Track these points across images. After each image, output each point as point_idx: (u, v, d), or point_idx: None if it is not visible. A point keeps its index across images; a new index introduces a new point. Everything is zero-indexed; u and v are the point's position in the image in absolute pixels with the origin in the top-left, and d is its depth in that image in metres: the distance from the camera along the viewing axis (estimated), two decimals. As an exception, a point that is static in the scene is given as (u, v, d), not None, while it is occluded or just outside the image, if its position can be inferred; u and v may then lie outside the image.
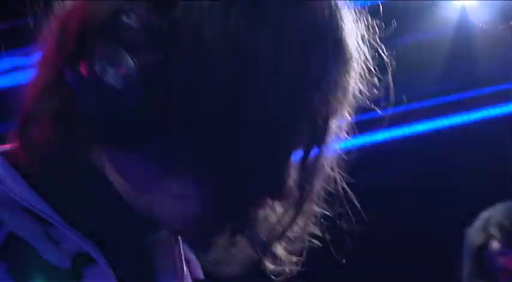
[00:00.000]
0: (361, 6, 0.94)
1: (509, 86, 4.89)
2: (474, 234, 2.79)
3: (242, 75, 0.76)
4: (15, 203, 0.79)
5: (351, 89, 0.86)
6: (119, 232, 0.87)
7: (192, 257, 1.04)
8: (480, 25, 4.55)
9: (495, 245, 2.52)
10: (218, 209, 0.84)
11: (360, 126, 1.02)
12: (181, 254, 0.98)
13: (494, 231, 2.70)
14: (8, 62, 3.65)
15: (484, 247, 2.71)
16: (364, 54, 0.89)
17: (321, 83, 0.81)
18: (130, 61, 0.75)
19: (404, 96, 1.19)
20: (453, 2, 4.64)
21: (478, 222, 2.79)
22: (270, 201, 0.88)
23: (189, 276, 1.02)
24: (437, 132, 5.08)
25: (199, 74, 0.75)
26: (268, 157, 0.81)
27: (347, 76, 0.84)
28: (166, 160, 0.81)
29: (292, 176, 0.84)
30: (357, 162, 1.03)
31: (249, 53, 0.76)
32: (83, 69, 0.77)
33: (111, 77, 0.75)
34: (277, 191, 0.85)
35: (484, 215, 2.85)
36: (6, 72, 3.66)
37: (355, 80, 0.87)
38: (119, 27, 0.76)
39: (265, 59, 0.76)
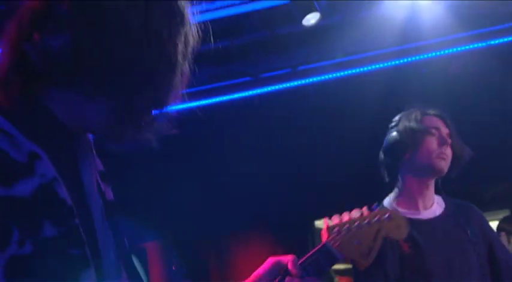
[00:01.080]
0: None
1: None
2: None
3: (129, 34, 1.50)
4: None
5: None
6: (56, 139, 1.56)
7: (98, 160, 1.79)
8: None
9: None
10: (120, 116, 1.57)
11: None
12: (93, 152, 1.73)
13: None
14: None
15: None
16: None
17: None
18: (60, 29, 1.46)
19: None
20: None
21: None
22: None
23: (97, 168, 1.76)
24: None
25: (102, 32, 1.48)
26: (145, 83, 1.55)
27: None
28: (87, 90, 1.52)
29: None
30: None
31: (131, 24, 1.50)
32: (35, 38, 1.45)
33: (50, 40, 1.46)
34: (157, 106, 1.63)
35: None
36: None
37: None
38: (52, 10, 1.48)
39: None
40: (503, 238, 6.62)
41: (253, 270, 2.17)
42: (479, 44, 7.06)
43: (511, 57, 6.91)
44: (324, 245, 2.20)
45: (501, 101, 7.20)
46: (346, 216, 2.33)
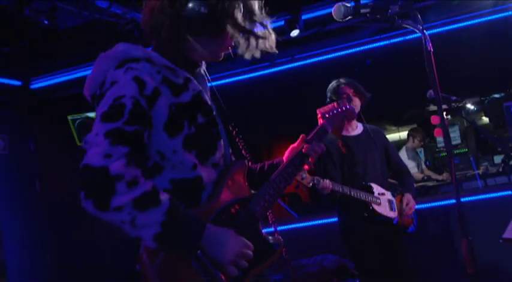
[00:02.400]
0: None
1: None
2: None
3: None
4: (160, 64, 2.21)
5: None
6: (193, 68, 2.36)
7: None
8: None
9: None
10: (218, 47, 2.37)
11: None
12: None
13: None
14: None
15: None
16: None
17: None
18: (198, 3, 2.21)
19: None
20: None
21: None
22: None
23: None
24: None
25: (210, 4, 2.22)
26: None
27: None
28: (211, 34, 2.28)
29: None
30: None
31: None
32: (178, 6, 2.20)
33: (191, 3, 2.21)
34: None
35: None
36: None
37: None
38: None
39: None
40: (410, 140, 8.72)
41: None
42: None
43: None
44: (322, 125, 2.85)
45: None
46: (330, 106, 3.01)
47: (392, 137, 11.30)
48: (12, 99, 7.37)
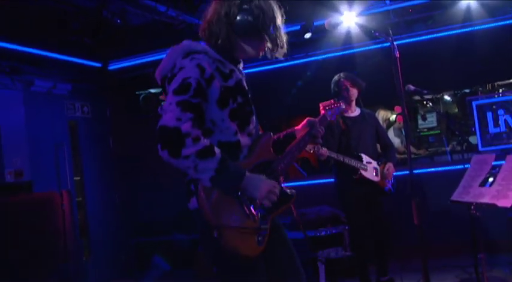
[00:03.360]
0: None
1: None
2: None
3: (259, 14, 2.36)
4: (214, 57, 2.35)
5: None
6: (236, 62, 2.46)
7: None
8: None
9: None
10: (259, 48, 2.47)
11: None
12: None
13: None
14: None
15: None
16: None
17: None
18: (247, 12, 2.34)
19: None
20: None
21: None
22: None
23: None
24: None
25: (254, 13, 2.35)
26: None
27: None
28: (255, 38, 2.41)
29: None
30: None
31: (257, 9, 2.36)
32: (233, 14, 2.35)
33: (241, 15, 2.35)
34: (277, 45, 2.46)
35: None
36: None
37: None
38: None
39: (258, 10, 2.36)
40: (397, 121, 8.69)
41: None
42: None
43: None
44: (324, 115, 2.99)
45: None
46: (329, 102, 3.13)
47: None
48: (94, 77, 7.50)
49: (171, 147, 2.10)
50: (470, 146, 6.87)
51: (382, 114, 8.57)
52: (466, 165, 4.75)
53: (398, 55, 2.84)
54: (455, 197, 4.02)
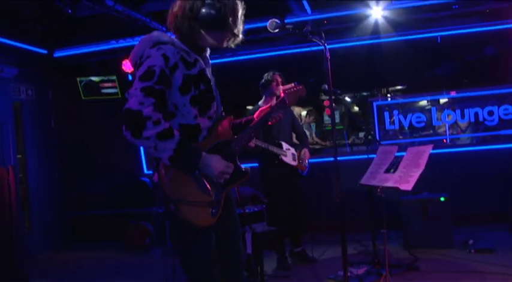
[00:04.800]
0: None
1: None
2: None
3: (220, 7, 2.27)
4: (179, 47, 2.28)
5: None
6: (201, 52, 2.39)
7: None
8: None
9: None
10: (221, 39, 2.35)
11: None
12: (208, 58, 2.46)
13: None
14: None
15: None
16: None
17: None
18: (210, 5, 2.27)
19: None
20: None
21: None
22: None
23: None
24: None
25: (216, 7, 2.26)
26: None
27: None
28: (216, 29, 2.30)
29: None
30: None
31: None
32: (197, 8, 2.27)
33: (204, 9, 2.27)
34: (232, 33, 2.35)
35: None
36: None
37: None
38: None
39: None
40: (307, 117, 8.89)
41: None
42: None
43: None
44: (283, 98, 2.79)
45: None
46: (289, 85, 3.11)
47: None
48: (39, 62, 7.12)
49: (134, 129, 2.06)
50: (368, 140, 7.13)
51: (296, 110, 8.67)
52: (370, 156, 4.95)
53: (329, 56, 2.86)
54: (364, 181, 4.12)
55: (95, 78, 7.44)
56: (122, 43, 6.45)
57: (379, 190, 3.84)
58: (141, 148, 7.52)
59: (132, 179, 7.48)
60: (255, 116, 2.74)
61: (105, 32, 5.95)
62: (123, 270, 5.87)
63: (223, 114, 2.55)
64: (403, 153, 3.95)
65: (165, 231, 6.85)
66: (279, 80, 5.05)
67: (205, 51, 2.44)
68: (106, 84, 7.44)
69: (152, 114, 2.07)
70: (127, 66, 6.97)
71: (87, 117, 7.71)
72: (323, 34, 3.02)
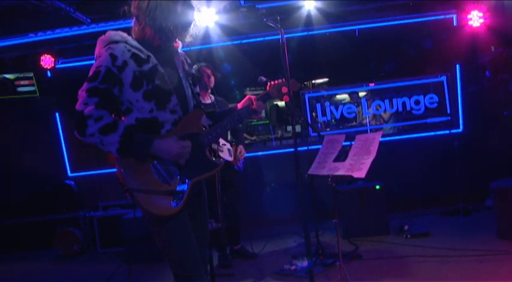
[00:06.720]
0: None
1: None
2: None
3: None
4: (132, 46, 2.34)
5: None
6: (153, 48, 2.40)
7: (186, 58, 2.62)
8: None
9: None
10: (168, 32, 2.36)
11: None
12: (179, 54, 2.56)
13: None
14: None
15: None
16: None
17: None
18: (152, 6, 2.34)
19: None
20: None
21: None
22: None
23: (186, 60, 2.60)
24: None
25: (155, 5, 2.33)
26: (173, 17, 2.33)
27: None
28: (159, 27, 2.35)
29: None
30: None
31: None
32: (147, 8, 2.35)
33: (149, 8, 2.34)
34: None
35: None
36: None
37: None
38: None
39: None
40: None
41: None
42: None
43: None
44: (268, 91, 2.81)
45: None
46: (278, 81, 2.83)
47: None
48: None
49: (78, 128, 2.18)
50: (300, 133, 7.13)
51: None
52: (309, 147, 4.93)
53: (285, 41, 2.80)
54: (312, 171, 4.06)
55: (9, 76, 6.84)
56: (42, 36, 5.94)
57: (329, 179, 3.80)
58: (63, 149, 7.12)
59: (57, 183, 7.02)
60: (239, 105, 2.72)
61: (24, 23, 5.44)
62: None
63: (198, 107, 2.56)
64: (350, 143, 3.93)
65: (94, 236, 6.47)
66: (208, 71, 5.01)
67: (159, 48, 2.43)
68: (22, 82, 6.85)
69: (93, 113, 2.17)
70: (46, 61, 6.47)
71: (2, 119, 7.11)
72: (278, 18, 2.92)
